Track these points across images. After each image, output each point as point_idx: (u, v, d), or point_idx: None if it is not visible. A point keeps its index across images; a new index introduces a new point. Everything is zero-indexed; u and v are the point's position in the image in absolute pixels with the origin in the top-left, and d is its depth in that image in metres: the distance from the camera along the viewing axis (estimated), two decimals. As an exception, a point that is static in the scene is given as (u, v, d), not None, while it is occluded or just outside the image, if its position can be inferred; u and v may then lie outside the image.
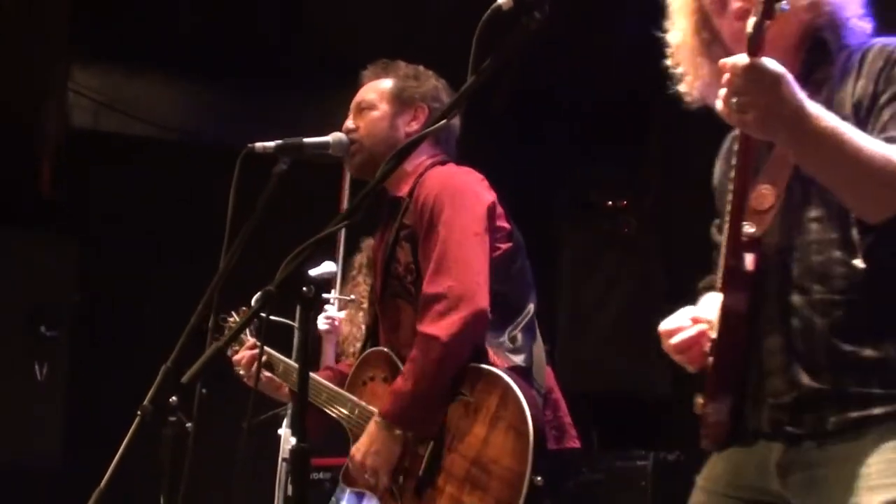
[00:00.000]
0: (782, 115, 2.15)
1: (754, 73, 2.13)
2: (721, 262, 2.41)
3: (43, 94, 7.02)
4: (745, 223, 2.40)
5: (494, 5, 2.28)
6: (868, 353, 2.30)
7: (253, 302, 2.41)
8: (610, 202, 9.11)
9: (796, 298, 2.37)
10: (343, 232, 4.27)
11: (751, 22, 2.14)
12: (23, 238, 6.71)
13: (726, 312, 2.40)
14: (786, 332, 2.38)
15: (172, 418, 2.48)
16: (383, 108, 3.86)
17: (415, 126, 3.81)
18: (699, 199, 2.99)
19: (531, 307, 3.71)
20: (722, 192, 2.64)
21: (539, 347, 3.71)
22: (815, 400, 2.34)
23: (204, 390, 2.73)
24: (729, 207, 2.37)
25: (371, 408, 3.69)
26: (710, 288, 2.71)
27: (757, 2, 2.14)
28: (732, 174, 2.41)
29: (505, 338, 3.61)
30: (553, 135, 8.25)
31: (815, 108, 2.18)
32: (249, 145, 3.24)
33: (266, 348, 4.02)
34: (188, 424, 2.57)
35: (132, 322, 7.25)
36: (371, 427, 3.59)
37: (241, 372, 4.13)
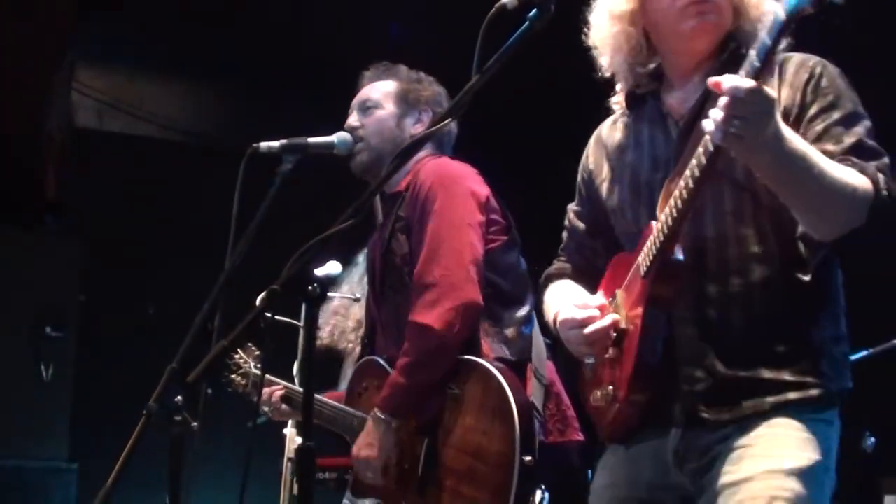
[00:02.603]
0: (769, 138, 2.18)
1: (758, 98, 2.13)
2: (651, 253, 2.41)
3: (47, 94, 7.01)
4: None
5: (499, 4, 2.28)
6: (783, 341, 2.38)
7: (258, 301, 2.41)
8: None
9: (713, 289, 2.43)
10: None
11: (759, 48, 2.12)
12: (27, 239, 6.70)
13: (653, 301, 2.42)
14: (701, 322, 2.43)
15: (178, 417, 2.49)
16: (389, 107, 3.88)
17: (419, 129, 3.82)
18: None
19: (530, 301, 3.71)
20: (591, 178, 2.73)
21: (539, 340, 3.71)
22: (730, 388, 2.39)
23: (209, 390, 2.73)
24: (678, 204, 2.35)
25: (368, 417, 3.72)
26: (561, 276, 2.82)
27: (766, 33, 2.11)
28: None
29: (502, 329, 3.62)
30: (557, 135, 8.24)
31: (787, 131, 2.22)
32: (254, 145, 3.24)
33: (285, 384, 4.06)
34: (194, 424, 2.57)
35: (137, 322, 7.26)
36: (368, 423, 3.61)
37: (266, 409, 4.11)
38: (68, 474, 6.27)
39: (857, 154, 2.35)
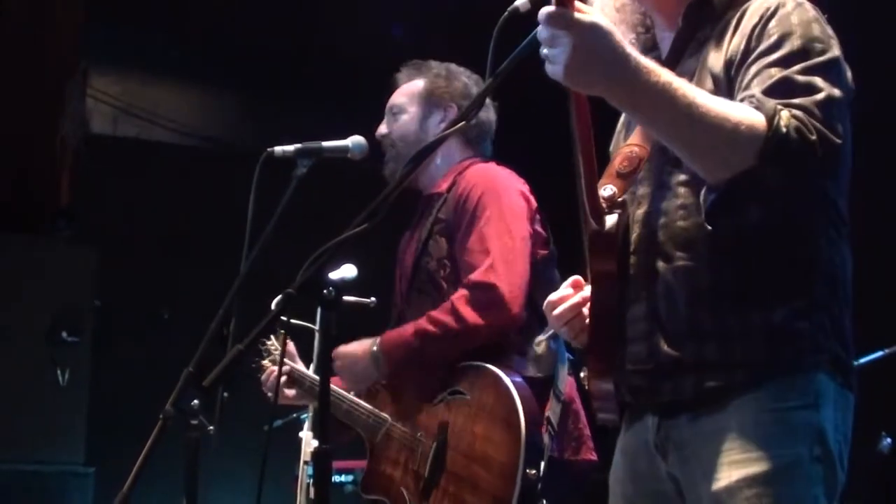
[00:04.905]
0: (594, 66, 2.03)
1: (558, 23, 2.01)
2: (583, 227, 2.34)
3: (60, 100, 7.04)
4: (606, 185, 2.35)
5: (512, 6, 2.28)
6: (729, 322, 2.23)
7: (273, 305, 2.41)
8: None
9: (661, 265, 2.31)
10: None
11: None
12: (43, 244, 6.72)
13: (597, 278, 2.35)
14: (650, 298, 2.32)
15: (194, 422, 2.49)
16: (413, 110, 3.90)
17: (444, 126, 3.83)
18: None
19: None
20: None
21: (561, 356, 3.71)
22: (674, 368, 2.28)
23: (225, 394, 2.74)
24: (581, 169, 2.26)
25: (384, 414, 3.72)
26: None
27: None
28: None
29: (533, 345, 3.62)
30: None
31: (645, 63, 2.07)
32: (269, 149, 3.25)
33: (293, 364, 4.04)
34: (210, 427, 2.58)
35: (153, 327, 7.28)
36: (365, 348, 3.64)
37: (270, 395, 4.09)
38: (85, 479, 6.28)
39: (779, 91, 2.13)
